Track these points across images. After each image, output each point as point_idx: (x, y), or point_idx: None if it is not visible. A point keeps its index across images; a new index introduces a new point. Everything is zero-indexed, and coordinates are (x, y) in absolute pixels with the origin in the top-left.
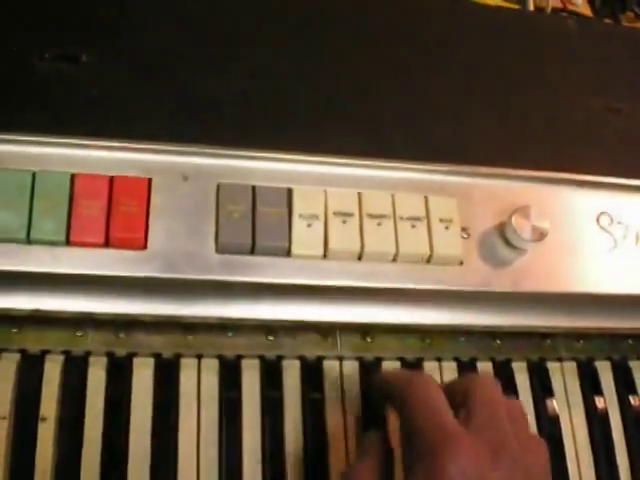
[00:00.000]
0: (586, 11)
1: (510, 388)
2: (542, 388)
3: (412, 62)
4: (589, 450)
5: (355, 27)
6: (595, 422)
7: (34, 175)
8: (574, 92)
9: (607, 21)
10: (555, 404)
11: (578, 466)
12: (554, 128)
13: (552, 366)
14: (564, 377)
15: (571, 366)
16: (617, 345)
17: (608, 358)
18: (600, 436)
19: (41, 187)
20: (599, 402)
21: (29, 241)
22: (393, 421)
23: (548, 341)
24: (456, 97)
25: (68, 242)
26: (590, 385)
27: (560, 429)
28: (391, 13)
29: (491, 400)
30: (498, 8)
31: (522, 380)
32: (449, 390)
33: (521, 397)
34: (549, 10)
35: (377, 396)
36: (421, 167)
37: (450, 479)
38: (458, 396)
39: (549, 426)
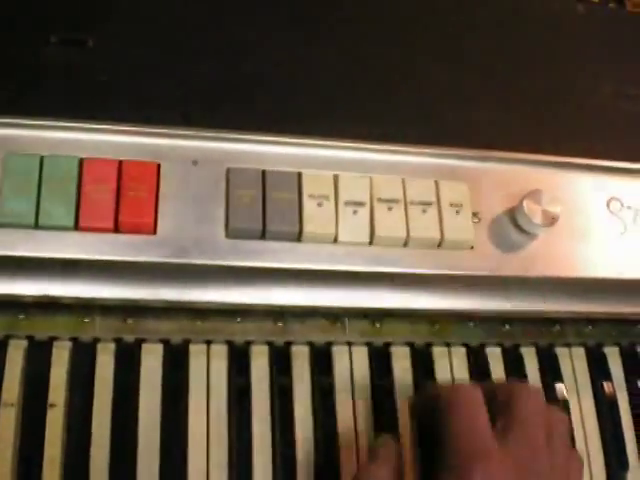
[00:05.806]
0: None
1: (519, 373)
2: (551, 373)
3: (423, 47)
4: (598, 435)
5: (366, 11)
6: (604, 407)
7: (42, 159)
8: (585, 77)
9: (612, 6)
10: (564, 389)
11: (587, 451)
12: (565, 113)
13: (561, 351)
14: (573, 362)
15: (580, 351)
16: (626, 330)
17: (616, 344)
18: (608, 421)
19: (49, 172)
20: (607, 387)
21: (37, 226)
22: (403, 413)
23: (557, 326)
24: (467, 82)
25: (77, 227)
26: (599, 370)
27: (569, 414)
28: None
29: (532, 417)
30: None
31: (531, 365)
32: (491, 392)
33: (530, 382)
34: None
35: (423, 408)
36: (432, 151)
37: None
38: (500, 402)
39: None
